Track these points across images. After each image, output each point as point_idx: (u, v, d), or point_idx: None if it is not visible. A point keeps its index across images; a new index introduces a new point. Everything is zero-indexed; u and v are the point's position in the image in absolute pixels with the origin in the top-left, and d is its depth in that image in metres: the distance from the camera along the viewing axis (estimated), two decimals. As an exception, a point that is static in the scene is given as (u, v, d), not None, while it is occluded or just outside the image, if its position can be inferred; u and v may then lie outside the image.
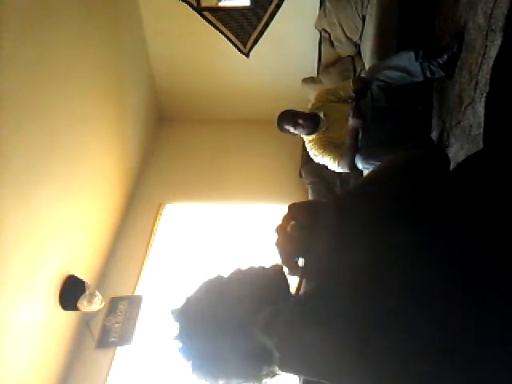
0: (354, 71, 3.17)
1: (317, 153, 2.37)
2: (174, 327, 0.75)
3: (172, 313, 0.77)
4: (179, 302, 0.79)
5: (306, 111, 2.45)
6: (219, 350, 0.72)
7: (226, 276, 0.81)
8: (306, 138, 2.44)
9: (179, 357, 0.75)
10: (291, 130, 2.37)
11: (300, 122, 2.33)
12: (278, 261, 0.79)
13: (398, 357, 0.56)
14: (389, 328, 0.57)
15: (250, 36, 3.66)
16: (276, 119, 2.42)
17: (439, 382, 0.54)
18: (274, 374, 0.74)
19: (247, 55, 3.77)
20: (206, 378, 0.74)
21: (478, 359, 0.53)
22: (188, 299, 0.79)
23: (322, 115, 2.37)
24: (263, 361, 0.73)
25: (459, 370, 0.53)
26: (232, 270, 0.82)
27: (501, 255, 0.57)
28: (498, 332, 0.53)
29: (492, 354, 0.52)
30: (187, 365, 0.74)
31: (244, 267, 0.81)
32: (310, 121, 2.35)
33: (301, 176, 3.52)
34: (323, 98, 2.47)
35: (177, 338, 0.75)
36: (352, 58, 3.27)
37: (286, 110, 2.42)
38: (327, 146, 2.33)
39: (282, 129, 2.42)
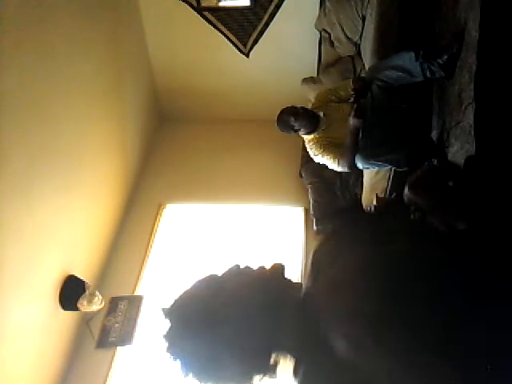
0: (354, 71, 3.17)
1: (317, 152, 2.37)
2: (165, 326, 0.73)
3: (163, 311, 0.75)
4: (169, 301, 0.76)
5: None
6: (212, 344, 0.69)
7: (222, 274, 0.78)
8: (306, 138, 2.44)
9: (167, 356, 0.72)
10: (291, 126, 2.36)
11: (299, 121, 2.33)
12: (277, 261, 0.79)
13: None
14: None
15: (250, 36, 3.66)
16: (276, 118, 2.42)
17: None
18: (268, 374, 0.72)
19: (247, 55, 3.77)
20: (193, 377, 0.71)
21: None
22: (179, 297, 0.76)
23: (321, 115, 2.37)
24: (259, 363, 0.71)
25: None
26: (228, 269, 0.79)
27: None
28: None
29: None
30: (175, 363, 0.71)
31: (241, 267, 0.79)
32: (309, 120, 2.34)
33: (301, 176, 3.51)
34: (323, 97, 2.47)
35: (166, 336, 0.72)
36: (352, 57, 3.26)
37: (285, 108, 2.40)
38: (327, 146, 2.33)
39: (281, 129, 2.42)
